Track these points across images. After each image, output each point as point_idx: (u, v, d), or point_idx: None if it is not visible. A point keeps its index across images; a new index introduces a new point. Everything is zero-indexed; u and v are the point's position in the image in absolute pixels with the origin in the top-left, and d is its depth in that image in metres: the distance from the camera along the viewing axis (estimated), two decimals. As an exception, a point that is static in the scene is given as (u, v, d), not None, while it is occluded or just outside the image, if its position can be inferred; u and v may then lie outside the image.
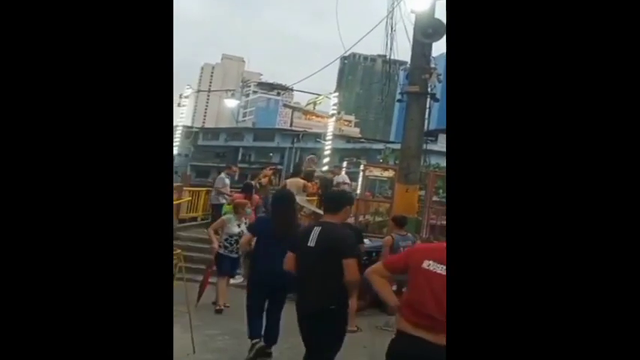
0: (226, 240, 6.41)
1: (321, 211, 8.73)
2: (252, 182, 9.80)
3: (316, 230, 3.38)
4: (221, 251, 6.38)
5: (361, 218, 10.69)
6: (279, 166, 25.26)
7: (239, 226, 6.45)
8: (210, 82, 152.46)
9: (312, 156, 12.82)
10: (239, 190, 9.67)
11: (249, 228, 5.03)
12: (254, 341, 4.48)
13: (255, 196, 8.74)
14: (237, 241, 6.19)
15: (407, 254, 2.72)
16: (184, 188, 10.37)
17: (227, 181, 9.82)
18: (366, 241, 6.99)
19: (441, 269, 2.33)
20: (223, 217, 6.77)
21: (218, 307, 6.23)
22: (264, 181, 10.04)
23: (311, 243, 3.34)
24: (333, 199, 3.71)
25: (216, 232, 6.57)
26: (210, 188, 10.77)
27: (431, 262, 2.38)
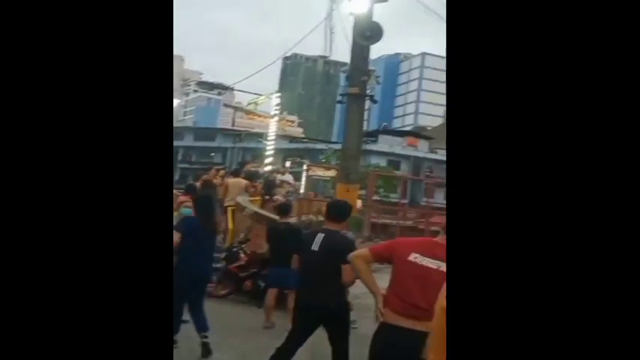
0: None
1: (264, 212, 8.69)
2: (196, 183, 9.56)
3: (320, 236, 3.67)
4: None
5: (304, 217, 10.74)
6: (225, 166, 24.92)
7: None
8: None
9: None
10: (182, 191, 9.42)
11: (176, 227, 4.95)
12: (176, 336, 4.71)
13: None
14: None
15: (392, 245, 2.81)
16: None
17: None
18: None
19: (426, 262, 2.50)
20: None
21: None
22: (216, 181, 9.83)
23: (314, 247, 3.64)
24: (338, 208, 3.91)
25: None
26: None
27: (417, 255, 2.53)
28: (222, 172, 10.38)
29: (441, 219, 3.15)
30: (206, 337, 4.58)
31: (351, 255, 2.83)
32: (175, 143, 50.94)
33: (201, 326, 4.62)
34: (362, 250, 2.82)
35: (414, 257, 2.52)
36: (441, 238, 2.57)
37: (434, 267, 2.46)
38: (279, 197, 10.19)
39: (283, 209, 6.69)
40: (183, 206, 6.08)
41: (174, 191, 9.06)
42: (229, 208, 8.62)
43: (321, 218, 11.21)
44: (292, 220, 6.57)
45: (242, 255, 7.45)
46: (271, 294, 5.95)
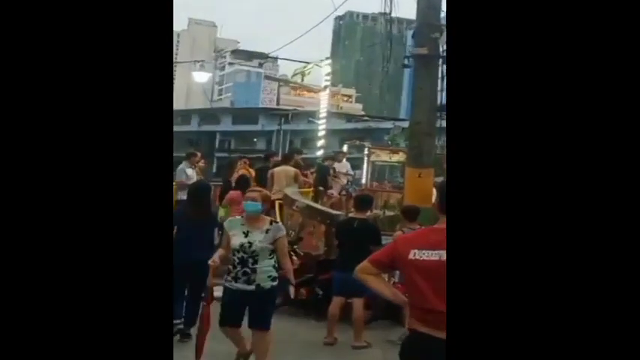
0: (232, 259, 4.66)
1: (318, 206, 8.63)
2: (247, 174, 9.63)
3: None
4: (225, 283, 4.66)
5: (368, 213, 10.67)
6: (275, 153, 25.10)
7: (246, 234, 4.59)
8: (176, 53, 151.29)
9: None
10: (220, 184, 9.63)
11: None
12: (176, 322, 5.48)
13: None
14: (242, 261, 4.53)
15: (391, 247, 2.86)
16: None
17: (189, 172, 9.65)
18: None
19: (427, 255, 2.54)
20: (224, 224, 4.98)
21: None
22: (242, 172, 9.94)
23: None
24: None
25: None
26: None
27: (416, 251, 2.58)
28: (245, 164, 10.61)
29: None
30: (180, 324, 5.54)
31: (355, 272, 2.87)
32: (211, 128, 51.90)
33: (190, 321, 5.48)
34: (362, 264, 2.85)
35: (413, 255, 2.59)
36: (441, 221, 2.62)
37: (435, 258, 2.51)
38: (334, 189, 10.18)
39: (363, 202, 6.41)
40: (248, 199, 5.61)
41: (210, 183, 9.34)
42: (276, 202, 8.29)
43: (389, 213, 11.07)
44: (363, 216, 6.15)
45: (294, 257, 7.53)
46: (336, 303, 5.84)
